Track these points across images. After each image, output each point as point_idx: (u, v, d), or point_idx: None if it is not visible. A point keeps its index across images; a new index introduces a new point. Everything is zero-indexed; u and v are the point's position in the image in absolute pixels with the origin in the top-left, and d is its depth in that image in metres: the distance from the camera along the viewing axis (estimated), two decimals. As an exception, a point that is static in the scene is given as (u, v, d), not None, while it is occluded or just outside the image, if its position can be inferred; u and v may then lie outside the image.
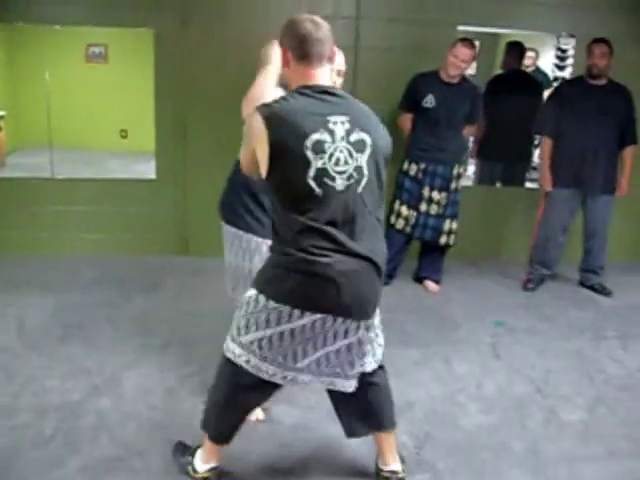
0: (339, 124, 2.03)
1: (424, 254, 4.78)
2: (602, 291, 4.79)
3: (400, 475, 2.48)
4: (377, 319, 2.31)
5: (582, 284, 4.93)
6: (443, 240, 4.55)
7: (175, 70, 4.82)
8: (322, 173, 2.00)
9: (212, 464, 2.45)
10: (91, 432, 2.77)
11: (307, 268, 2.01)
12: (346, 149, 2.03)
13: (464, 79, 4.43)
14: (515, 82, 5.41)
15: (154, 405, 3.00)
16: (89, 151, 6.37)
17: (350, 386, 2.30)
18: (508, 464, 2.70)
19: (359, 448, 2.69)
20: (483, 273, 5.12)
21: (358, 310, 2.12)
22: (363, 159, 2.06)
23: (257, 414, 2.82)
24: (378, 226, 2.18)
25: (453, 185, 4.49)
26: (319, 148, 1.99)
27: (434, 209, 4.47)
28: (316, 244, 2.01)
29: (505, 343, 3.86)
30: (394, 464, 2.49)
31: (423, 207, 4.47)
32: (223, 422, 2.39)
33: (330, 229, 2.02)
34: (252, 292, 2.15)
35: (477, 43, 5.79)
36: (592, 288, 4.85)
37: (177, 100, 4.89)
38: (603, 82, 4.51)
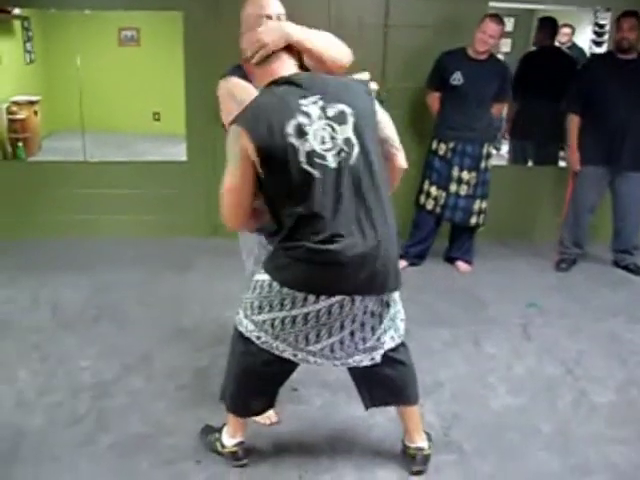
0: (312, 105, 2.03)
1: (454, 235, 4.74)
2: (637, 271, 4.71)
3: (426, 452, 2.48)
4: (396, 294, 2.29)
5: (616, 264, 4.84)
6: (473, 221, 4.51)
7: (205, 53, 4.81)
8: (312, 155, 2.00)
9: (238, 439, 2.48)
10: (122, 411, 2.83)
11: (317, 257, 2.02)
12: (328, 125, 2.03)
13: (492, 56, 4.35)
14: (548, 59, 5.29)
15: (184, 384, 3.05)
16: (123, 134, 6.43)
17: (361, 360, 2.28)
18: (536, 445, 2.69)
19: (386, 428, 2.72)
20: (515, 253, 5.06)
21: (374, 286, 2.11)
22: (348, 130, 2.05)
23: (270, 416, 2.74)
24: (383, 193, 2.11)
25: (483, 164, 4.43)
26: (300, 132, 1.99)
27: (464, 189, 4.43)
28: (322, 231, 2.01)
29: (536, 324, 3.82)
30: (420, 441, 2.49)
31: (453, 188, 4.43)
32: (238, 394, 2.41)
33: (333, 214, 2.01)
34: (265, 277, 2.16)
35: (512, 20, 5.71)
36: (626, 268, 4.76)
37: (207, 82, 4.88)
38: (633, 56, 4.40)
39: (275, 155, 1.98)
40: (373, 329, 2.23)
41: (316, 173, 2.00)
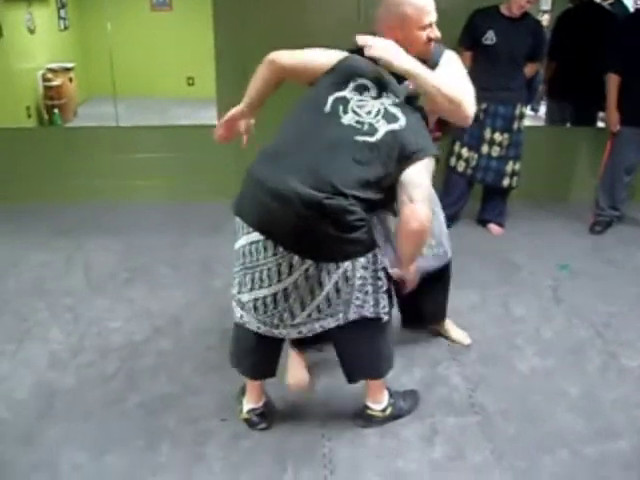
0: (390, 96, 2.14)
1: (487, 197, 4.68)
2: (674, 235, 4.60)
3: (370, 412, 2.54)
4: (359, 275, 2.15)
5: (654, 227, 4.75)
6: (506, 182, 4.44)
7: (235, 17, 4.78)
8: (343, 101, 2.09)
9: (252, 405, 2.52)
10: (150, 371, 2.88)
11: (246, 179, 2.14)
12: (382, 108, 2.11)
13: (526, 14, 4.21)
14: (587, 16, 5.11)
15: (212, 345, 3.09)
16: (157, 99, 6.46)
17: (288, 333, 2.29)
18: (562, 408, 2.67)
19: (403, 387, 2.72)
20: (550, 216, 4.98)
21: (292, 242, 2.07)
22: (384, 128, 2.07)
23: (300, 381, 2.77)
24: (358, 173, 2.05)
25: (515, 125, 4.34)
26: (361, 89, 2.11)
27: (496, 151, 4.35)
28: (268, 159, 2.14)
29: (567, 287, 3.76)
30: (370, 402, 2.54)
31: (484, 149, 4.35)
32: (239, 356, 2.50)
33: (298, 150, 2.09)
34: None
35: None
36: (663, 231, 4.66)
37: (237, 47, 4.88)
38: None
39: (331, 75, 2.18)
40: (302, 303, 2.18)
41: (327, 109, 2.10)
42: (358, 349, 2.35)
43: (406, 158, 2.06)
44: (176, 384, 2.79)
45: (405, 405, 2.61)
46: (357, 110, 2.10)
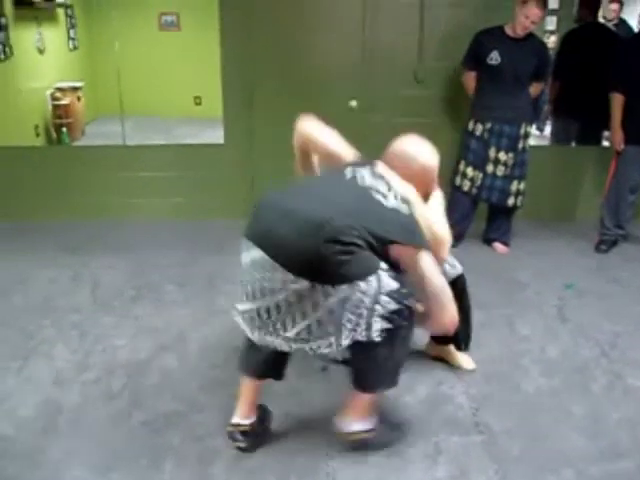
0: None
1: (492, 216, 4.70)
2: (679, 254, 4.60)
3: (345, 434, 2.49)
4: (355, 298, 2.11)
5: (658, 246, 4.74)
6: (511, 202, 4.46)
7: (242, 36, 4.84)
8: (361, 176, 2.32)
9: (237, 419, 2.52)
10: (155, 389, 2.89)
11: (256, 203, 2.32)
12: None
13: (530, 34, 4.25)
14: (591, 36, 5.16)
15: (217, 363, 3.10)
16: (165, 118, 6.50)
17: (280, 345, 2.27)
18: (567, 427, 2.66)
19: (415, 409, 2.72)
20: (555, 235, 4.99)
21: (290, 262, 2.08)
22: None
23: None
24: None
25: (520, 145, 4.37)
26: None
27: (501, 170, 4.37)
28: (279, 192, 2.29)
29: (573, 306, 3.76)
30: (342, 423, 2.49)
31: (490, 168, 4.38)
32: (243, 354, 2.56)
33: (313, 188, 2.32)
34: None
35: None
36: (669, 251, 4.66)
37: (244, 66, 4.93)
38: None
39: None
40: (293, 320, 2.17)
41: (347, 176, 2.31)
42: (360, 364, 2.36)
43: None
44: (181, 402, 2.79)
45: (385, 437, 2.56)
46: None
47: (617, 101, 4.45)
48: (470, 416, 2.72)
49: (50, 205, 5.14)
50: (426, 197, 2.55)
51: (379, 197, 2.21)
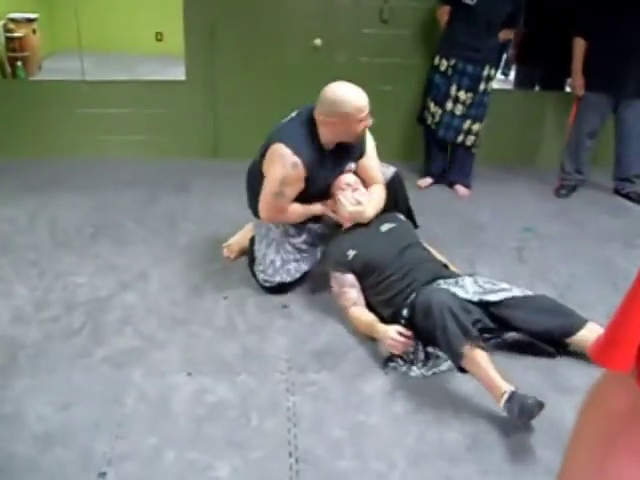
0: None
1: (453, 158, 4.73)
2: (637, 200, 4.68)
3: None
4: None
5: (617, 192, 4.82)
6: (460, 139, 4.47)
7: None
8: None
9: None
10: (116, 325, 2.88)
11: None
12: None
13: None
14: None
15: (177, 301, 3.10)
16: (125, 55, 6.32)
17: None
18: (521, 367, 2.71)
19: (372, 346, 2.77)
20: (516, 178, 5.04)
21: None
22: None
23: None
24: None
25: (482, 86, 4.36)
26: None
27: (459, 109, 4.38)
28: None
29: (531, 248, 3.82)
30: None
31: (449, 106, 4.38)
32: None
33: None
34: None
35: None
36: (627, 196, 4.74)
37: (206, 1, 4.80)
38: None
39: None
40: None
41: None
42: None
43: None
44: (141, 338, 2.79)
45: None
46: None
47: (579, 46, 4.45)
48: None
49: (6, 142, 4.99)
50: (357, 139, 2.98)
51: None
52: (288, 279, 3.15)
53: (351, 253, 2.93)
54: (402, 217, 3.24)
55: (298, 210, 3.02)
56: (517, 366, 2.65)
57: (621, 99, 4.47)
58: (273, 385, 2.54)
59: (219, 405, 2.42)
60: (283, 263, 3.13)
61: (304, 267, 3.20)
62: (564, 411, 2.33)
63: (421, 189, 4.64)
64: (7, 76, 5.57)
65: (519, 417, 2.22)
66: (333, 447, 2.22)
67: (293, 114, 3.04)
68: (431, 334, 2.48)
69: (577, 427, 0.80)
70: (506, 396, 2.26)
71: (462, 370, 2.45)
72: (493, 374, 2.34)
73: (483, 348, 2.42)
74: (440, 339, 2.44)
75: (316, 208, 3.08)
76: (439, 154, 4.67)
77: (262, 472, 2.10)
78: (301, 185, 2.93)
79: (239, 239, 3.51)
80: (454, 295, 2.61)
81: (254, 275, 3.24)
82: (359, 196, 3.05)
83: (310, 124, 2.92)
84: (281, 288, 3.16)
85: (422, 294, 2.58)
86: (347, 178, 3.09)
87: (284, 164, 2.84)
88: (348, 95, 2.83)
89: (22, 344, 2.73)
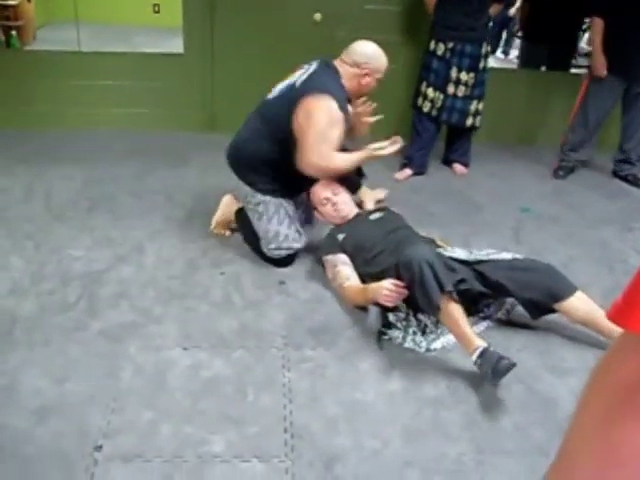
0: None
1: (451, 137, 4.69)
2: (635, 182, 4.67)
3: None
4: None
5: (615, 174, 4.81)
6: (469, 122, 4.43)
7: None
8: None
9: None
10: (112, 299, 2.87)
11: None
12: None
13: None
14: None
15: (174, 274, 3.10)
16: (121, 26, 6.24)
17: None
18: (515, 347, 2.71)
19: (364, 320, 2.78)
20: (515, 158, 5.02)
21: None
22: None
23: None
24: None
25: (482, 65, 4.31)
26: None
27: (461, 91, 4.32)
28: None
29: (528, 228, 3.83)
30: None
31: (450, 89, 4.31)
32: None
33: None
34: None
35: None
36: (625, 179, 4.73)
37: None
38: None
39: None
40: None
41: None
42: None
43: None
44: (138, 312, 2.79)
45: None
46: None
47: (597, 26, 4.33)
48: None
49: (1, 113, 4.95)
50: (367, 95, 3.25)
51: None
52: (296, 245, 3.18)
53: (341, 236, 3.01)
54: (393, 209, 3.29)
55: (345, 156, 3.01)
56: (511, 346, 2.67)
57: (632, 82, 4.38)
58: (269, 361, 2.54)
59: (215, 380, 2.42)
60: (288, 230, 3.15)
61: (305, 239, 3.24)
62: (558, 392, 2.35)
63: (398, 182, 4.44)
64: (1, 45, 5.50)
65: (492, 376, 2.29)
66: (328, 424, 2.23)
67: (311, 68, 3.11)
68: (412, 290, 2.51)
69: (583, 397, 0.79)
70: (478, 352, 2.35)
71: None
72: (467, 329, 2.44)
73: (457, 302, 2.48)
74: (418, 292, 2.48)
75: (360, 154, 3.05)
76: (428, 144, 4.54)
77: (257, 447, 2.11)
78: (342, 128, 2.95)
79: (224, 213, 3.52)
80: (438, 254, 2.66)
81: (254, 249, 3.26)
82: (341, 206, 3.15)
83: (338, 75, 3.09)
84: (288, 258, 3.20)
85: (405, 252, 2.59)
86: (324, 192, 3.14)
87: (329, 106, 2.89)
88: (382, 54, 3.19)
89: (17, 317, 2.72)
